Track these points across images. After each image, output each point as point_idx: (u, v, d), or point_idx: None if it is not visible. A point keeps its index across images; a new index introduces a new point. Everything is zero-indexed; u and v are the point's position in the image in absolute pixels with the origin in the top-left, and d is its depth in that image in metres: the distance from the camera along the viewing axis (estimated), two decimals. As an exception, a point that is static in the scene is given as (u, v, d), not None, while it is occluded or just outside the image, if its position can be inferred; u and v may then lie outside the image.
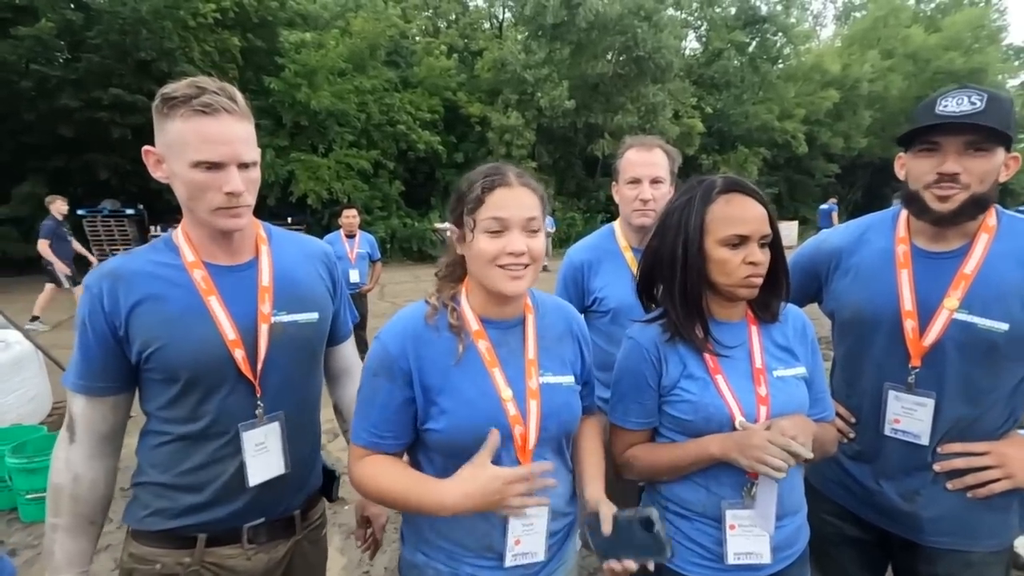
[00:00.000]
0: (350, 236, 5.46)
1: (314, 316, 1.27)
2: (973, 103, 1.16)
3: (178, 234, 1.19)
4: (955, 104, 1.18)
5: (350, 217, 5.46)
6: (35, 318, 7.41)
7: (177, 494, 1.16)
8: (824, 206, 14.30)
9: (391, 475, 1.05)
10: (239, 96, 1.11)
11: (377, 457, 1.08)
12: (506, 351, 1.11)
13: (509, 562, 1.07)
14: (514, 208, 1.01)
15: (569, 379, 1.16)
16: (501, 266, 1.02)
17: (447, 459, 1.05)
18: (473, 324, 1.10)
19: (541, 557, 1.10)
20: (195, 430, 1.14)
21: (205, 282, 1.14)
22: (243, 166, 1.10)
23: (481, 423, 1.01)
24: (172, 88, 1.07)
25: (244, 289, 1.18)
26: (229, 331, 1.13)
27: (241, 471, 1.16)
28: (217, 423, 1.14)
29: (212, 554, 1.18)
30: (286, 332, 1.21)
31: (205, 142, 1.05)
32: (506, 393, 1.06)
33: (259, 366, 1.16)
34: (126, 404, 1.18)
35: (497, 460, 1.00)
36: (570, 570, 1.22)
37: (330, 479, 1.41)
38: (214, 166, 1.06)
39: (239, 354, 1.14)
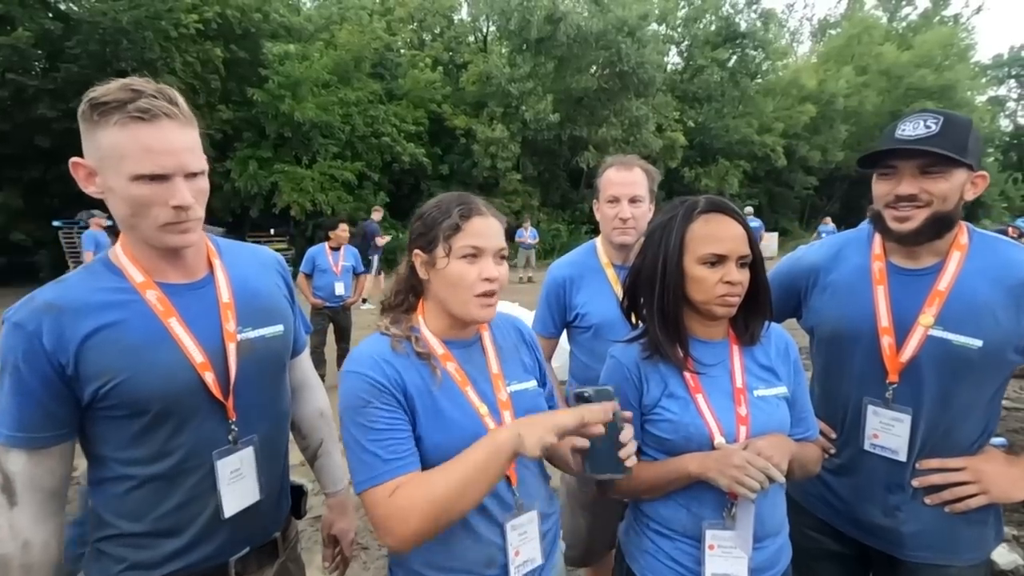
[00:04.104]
0: (335, 249, 5.44)
1: (279, 328, 1.22)
2: (928, 127, 1.20)
3: (117, 254, 1.07)
4: (911, 128, 1.22)
5: (346, 231, 5.51)
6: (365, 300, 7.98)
7: (156, 541, 1.07)
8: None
9: (436, 476, 0.97)
10: (180, 99, 1.01)
11: (409, 476, 0.99)
12: (472, 368, 1.14)
13: (514, 574, 1.09)
14: (490, 237, 1.08)
15: (532, 383, 1.21)
16: (477, 295, 1.06)
17: None
18: (438, 348, 1.12)
19: (540, 561, 1.13)
20: (167, 467, 1.05)
21: (162, 303, 1.05)
22: (190, 176, 1.01)
23: (468, 439, 1.02)
24: (102, 92, 0.95)
25: (204, 307, 1.10)
26: (196, 354, 1.05)
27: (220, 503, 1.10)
28: (192, 456, 1.06)
29: None
30: (254, 349, 1.15)
31: (146, 152, 0.95)
32: (482, 408, 1.10)
33: (230, 388, 1.10)
34: (72, 451, 1.05)
35: None
36: (560, 571, 1.25)
37: (298, 495, 1.37)
38: (158, 178, 0.97)
39: (209, 377, 1.06)
